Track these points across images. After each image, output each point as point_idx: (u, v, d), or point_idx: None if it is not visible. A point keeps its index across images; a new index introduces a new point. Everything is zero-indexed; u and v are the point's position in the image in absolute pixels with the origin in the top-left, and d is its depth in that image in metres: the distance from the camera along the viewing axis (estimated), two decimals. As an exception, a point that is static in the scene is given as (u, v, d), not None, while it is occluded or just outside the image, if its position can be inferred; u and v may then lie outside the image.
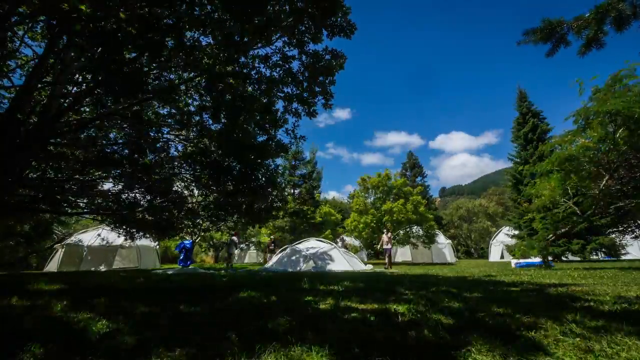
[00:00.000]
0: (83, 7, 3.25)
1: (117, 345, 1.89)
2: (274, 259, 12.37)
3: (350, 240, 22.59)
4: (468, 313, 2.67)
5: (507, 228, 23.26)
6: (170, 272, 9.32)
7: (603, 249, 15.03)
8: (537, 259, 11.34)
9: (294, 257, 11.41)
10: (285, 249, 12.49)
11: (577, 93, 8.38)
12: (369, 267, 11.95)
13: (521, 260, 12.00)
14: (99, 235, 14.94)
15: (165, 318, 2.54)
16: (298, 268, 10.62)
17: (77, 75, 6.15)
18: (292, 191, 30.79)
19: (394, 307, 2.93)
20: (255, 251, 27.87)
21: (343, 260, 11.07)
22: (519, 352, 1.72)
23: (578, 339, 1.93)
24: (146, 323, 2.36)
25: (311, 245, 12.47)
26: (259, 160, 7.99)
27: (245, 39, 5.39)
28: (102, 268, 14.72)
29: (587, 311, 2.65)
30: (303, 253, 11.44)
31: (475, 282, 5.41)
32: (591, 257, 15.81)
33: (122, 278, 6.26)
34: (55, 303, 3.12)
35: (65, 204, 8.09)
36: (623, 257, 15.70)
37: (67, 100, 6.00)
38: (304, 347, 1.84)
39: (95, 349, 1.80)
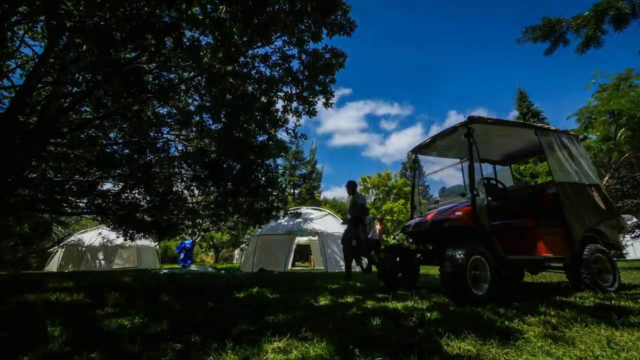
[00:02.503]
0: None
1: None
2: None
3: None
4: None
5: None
6: (165, 271, 9.30)
7: (603, 249, 15.00)
8: None
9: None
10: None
11: (577, 93, 8.43)
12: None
13: None
14: (99, 234, 14.99)
15: (171, 314, 2.55)
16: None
17: (77, 75, 6.16)
18: (292, 191, 30.81)
19: (392, 305, 2.94)
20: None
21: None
22: (516, 348, 1.72)
23: (577, 340, 1.92)
24: (152, 320, 2.39)
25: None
26: (259, 160, 7.99)
27: (245, 38, 5.39)
28: (102, 268, 14.72)
29: (586, 310, 2.65)
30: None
31: None
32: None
33: (129, 278, 6.27)
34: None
35: (65, 204, 8.10)
36: (622, 258, 15.70)
37: (67, 100, 6.00)
38: (304, 343, 1.87)
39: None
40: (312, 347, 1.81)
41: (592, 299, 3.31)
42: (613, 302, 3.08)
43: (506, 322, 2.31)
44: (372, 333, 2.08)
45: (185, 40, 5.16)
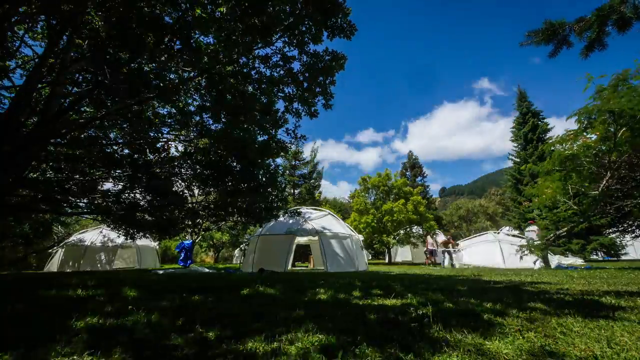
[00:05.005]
0: None
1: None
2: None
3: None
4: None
5: (507, 228, 23.24)
6: (160, 272, 9.28)
7: (603, 249, 15.02)
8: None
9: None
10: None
11: (577, 93, 8.30)
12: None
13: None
14: (101, 232, 15.01)
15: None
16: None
17: (77, 75, 6.15)
18: (292, 191, 30.81)
19: (389, 302, 2.95)
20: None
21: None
22: (515, 348, 1.73)
23: (577, 339, 1.93)
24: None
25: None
26: (259, 160, 7.98)
27: (246, 39, 5.39)
28: (102, 268, 14.71)
29: (586, 309, 2.66)
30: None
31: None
32: (591, 257, 15.81)
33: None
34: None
35: (65, 204, 8.10)
36: (623, 257, 15.72)
37: (67, 100, 6.00)
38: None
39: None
40: (314, 339, 1.83)
41: (592, 297, 3.31)
42: (613, 301, 3.09)
43: (506, 322, 2.31)
44: (372, 329, 2.09)
45: (192, 42, 5.16)
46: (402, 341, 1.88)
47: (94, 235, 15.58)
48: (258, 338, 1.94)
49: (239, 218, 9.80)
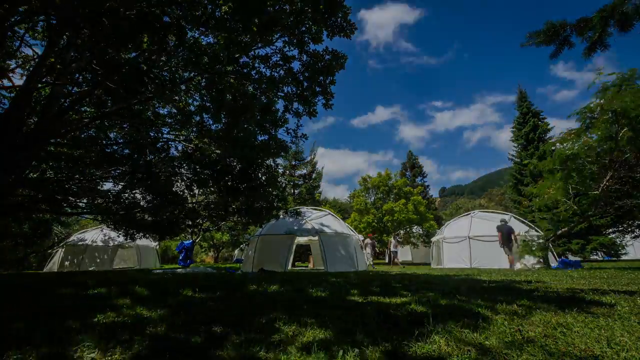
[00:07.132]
0: None
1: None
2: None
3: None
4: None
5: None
6: (160, 272, 9.27)
7: (603, 249, 15.03)
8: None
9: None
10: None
11: (577, 93, 8.33)
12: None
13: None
14: (101, 231, 15.02)
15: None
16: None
17: (77, 75, 6.15)
18: (292, 191, 30.79)
19: (388, 301, 2.97)
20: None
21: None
22: (516, 348, 1.73)
23: (577, 339, 1.92)
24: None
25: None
26: (259, 160, 7.98)
27: (246, 39, 5.39)
28: (102, 268, 14.71)
29: (587, 309, 2.65)
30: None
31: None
32: (591, 257, 15.81)
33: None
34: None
35: (65, 204, 8.10)
36: (623, 257, 15.70)
37: (67, 100, 6.00)
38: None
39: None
40: (314, 339, 1.84)
41: (592, 297, 3.31)
42: (613, 301, 3.08)
43: (506, 322, 2.31)
44: (371, 328, 2.09)
45: (187, 39, 5.15)
46: (401, 340, 1.88)
47: (94, 234, 15.59)
48: (258, 336, 1.94)
49: (239, 218, 9.80)
